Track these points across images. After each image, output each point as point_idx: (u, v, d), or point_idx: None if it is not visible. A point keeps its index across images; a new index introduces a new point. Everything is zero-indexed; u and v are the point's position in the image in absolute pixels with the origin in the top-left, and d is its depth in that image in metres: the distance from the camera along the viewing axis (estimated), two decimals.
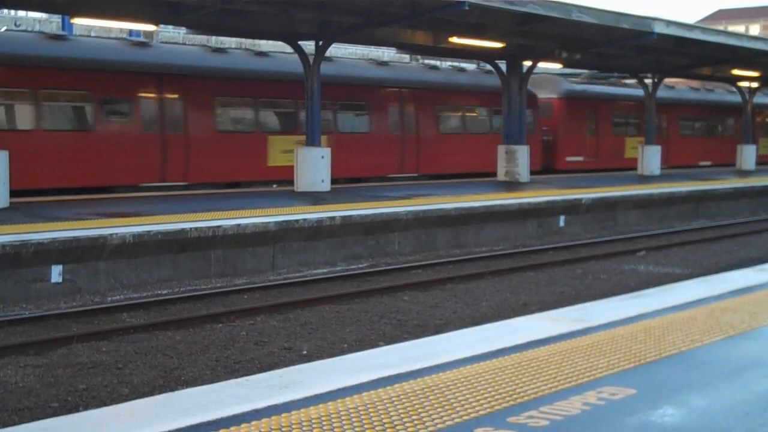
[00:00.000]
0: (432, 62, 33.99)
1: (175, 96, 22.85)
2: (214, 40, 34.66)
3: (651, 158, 32.48)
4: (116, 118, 22.07)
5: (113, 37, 25.57)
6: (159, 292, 13.56)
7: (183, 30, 30.18)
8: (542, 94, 32.98)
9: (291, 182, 22.81)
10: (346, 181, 25.63)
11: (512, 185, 25.75)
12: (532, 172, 29.96)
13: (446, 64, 35.87)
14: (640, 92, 34.07)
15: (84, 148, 21.18)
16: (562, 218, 21.51)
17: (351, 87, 26.56)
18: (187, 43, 28.87)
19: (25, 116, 20.70)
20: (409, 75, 29.04)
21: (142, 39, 26.31)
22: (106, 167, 21.42)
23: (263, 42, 34.23)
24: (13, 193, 17.46)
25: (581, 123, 34.43)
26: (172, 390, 8.49)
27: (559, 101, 33.84)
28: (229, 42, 34.24)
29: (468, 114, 30.62)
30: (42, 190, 20.26)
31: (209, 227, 14.53)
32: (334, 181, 23.04)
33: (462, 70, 32.46)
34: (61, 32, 25.95)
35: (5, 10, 33.50)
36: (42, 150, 20.48)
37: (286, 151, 24.16)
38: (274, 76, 24.69)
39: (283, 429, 4.57)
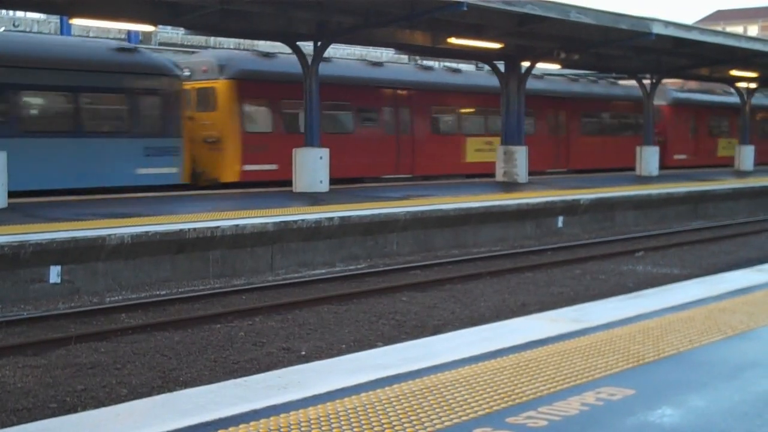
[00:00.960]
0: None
1: (405, 105, 27.58)
2: (213, 41, 34.68)
3: (649, 159, 32.50)
4: (367, 123, 27.04)
5: (355, 58, 30.28)
6: (157, 292, 13.55)
7: (181, 31, 30.21)
8: (654, 101, 36.94)
9: (484, 175, 28.57)
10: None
11: (511, 186, 25.77)
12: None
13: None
14: (729, 99, 40.59)
15: (346, 147, 25.36)
16: (560, 219, 21.52)
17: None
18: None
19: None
20: (568, 87, 34.37)
21: (375, 60, 32.01)
22: (360, 163, 26.14)
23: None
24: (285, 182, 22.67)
25: (685, 126, 39.60)
26: (170, 390, 8.48)
27: (668, 107, 38.36)
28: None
29: (604, 118, 35.93)
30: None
31: (208, 228, 14.53)
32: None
33: (594, 81, 36.73)
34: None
35: (4, 11, 33.51)
36: None
37: (478, 150, 29.86)
38: (466, 89, 29.81)
39: (282, 429, 4.57)
